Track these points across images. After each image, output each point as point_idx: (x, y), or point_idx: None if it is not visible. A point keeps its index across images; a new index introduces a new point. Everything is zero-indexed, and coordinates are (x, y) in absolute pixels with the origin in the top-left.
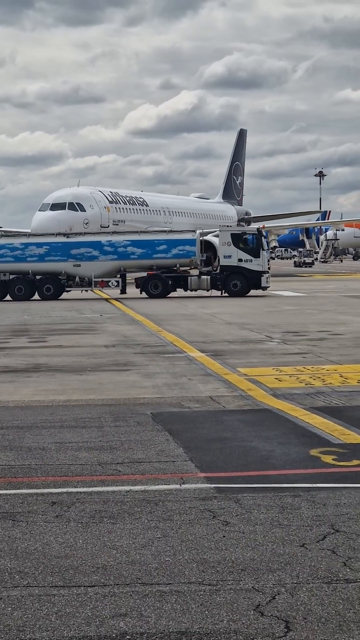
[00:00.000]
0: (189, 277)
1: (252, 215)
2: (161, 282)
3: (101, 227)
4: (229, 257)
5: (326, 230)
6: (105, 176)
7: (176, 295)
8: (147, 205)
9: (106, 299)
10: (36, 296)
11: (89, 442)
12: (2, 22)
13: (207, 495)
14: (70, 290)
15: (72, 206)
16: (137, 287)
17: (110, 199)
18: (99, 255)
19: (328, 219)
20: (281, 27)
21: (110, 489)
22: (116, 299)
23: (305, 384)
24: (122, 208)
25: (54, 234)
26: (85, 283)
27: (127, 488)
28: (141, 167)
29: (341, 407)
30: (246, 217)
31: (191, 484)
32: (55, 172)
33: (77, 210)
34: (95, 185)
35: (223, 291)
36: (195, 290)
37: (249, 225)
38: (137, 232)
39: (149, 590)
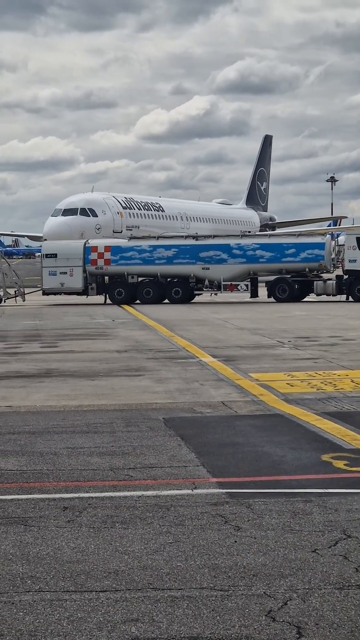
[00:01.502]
0: (315, 282)
1: (276, 221)
2: (288, 286)
3: (114, 232)
4: (354, 261)
5: (337, 235)
6: (117, 181)
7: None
8: (163, 210)
9: (118, 304)
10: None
11: (101, 447)
12: (14, 28)
13: (219, 501)
14: (201, 294)
15: (84, 212)
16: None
17: (124, 205)
18: (228, 259)
19: (339, 226)
20: (294, 33)
21: (122, 494)
22: (128, 305)
23: (317, 389)
24: (137, 213)
25: (183, 236)
26: (215, 286)
27: (139, 493)
28: (153, 172)
29: (353, 413)
30: (270, 222)
31: (203, 489)
32: (67, 177)
33: (89, 216)
34: (109, 190)
35: (348, 297)
36: (329, 295)
37: (273, 230)
38: (266, 235)
39: (160, 596)
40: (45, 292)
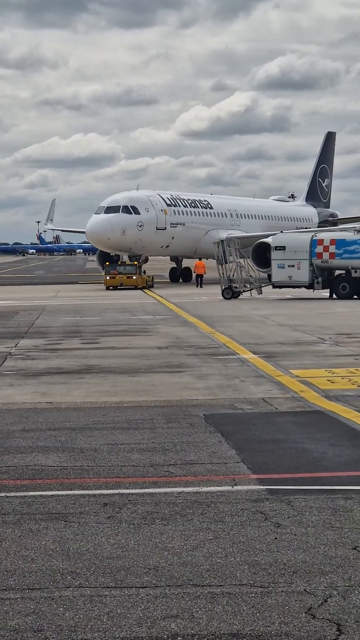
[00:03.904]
0: None
1: (338, 217)
2: None
3: (157, 229)
4: None
5: None
6: (157, 178)
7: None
8: (211, 207)
9: (159, 301)
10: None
11: (141, 443)
12: (55, 26)
13: (259, 497)
14: None
15: (127, 209)
16: None
17: (168, 202)
18: None
19: None
20: (336, 28)
21: (162, 490)
22: (170, 301)
23: (358, 386)
24: (182, 211)
25: None
26: None
27: (179, 490)
28: (193, 169)
29: None
30: (331, 218)
31: (243, 485)
32: (108, 173)
33: (132, 213)
34: (154, 188)
35: None
36: None
37: (334, 227)
38: None
39: (200, 592)
40: (275, 285)
